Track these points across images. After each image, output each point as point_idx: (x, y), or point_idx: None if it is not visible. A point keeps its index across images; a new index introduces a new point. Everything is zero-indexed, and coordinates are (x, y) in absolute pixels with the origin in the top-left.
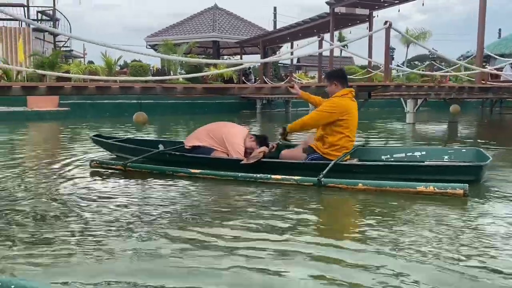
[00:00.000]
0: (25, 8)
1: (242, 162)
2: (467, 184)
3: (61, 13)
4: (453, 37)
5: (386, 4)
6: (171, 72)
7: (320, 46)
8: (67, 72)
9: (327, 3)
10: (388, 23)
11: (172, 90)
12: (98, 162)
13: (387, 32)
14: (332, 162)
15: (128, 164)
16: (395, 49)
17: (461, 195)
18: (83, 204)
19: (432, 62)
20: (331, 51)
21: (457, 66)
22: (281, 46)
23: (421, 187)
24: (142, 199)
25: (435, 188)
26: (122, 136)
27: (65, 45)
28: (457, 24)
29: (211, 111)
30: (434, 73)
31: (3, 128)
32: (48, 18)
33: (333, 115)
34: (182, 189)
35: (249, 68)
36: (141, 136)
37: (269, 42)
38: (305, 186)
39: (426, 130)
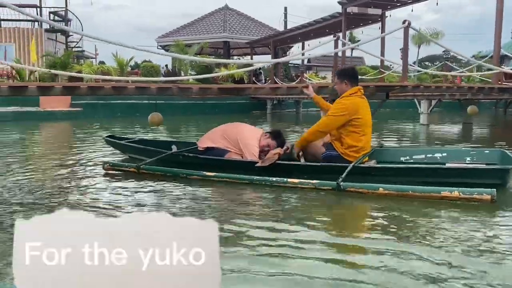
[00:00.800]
0: (38, 9)
1: (257, 164)
2: (495, 189)
3: (73, 14)
4: (464, 37)
5: (399, 4)
6: (182, 73)
7: (336, 45)
8: (79, 72)
9: (339, 2)
10: (407, 22)
11: (188, 91)
12: (111, 164)
13: (406, 31)
14: (351, 165)
15: (141, 166)
16: (409, 49)
17: (488, 201)
18: (97, 210)
19: (446, 62)
20: (343, 51)
21: (471, 66)
22: (292, 46)
23: (445, 192)
24: (157, 204)
25: (461, 193)
26: (134, 137)
27: (76, 46)
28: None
29: (222, 111)
30: (450, 73)
31: (15, 127)
32: (60, 19)
33: (345, 116)
34: (197, 192)
35: (260, 68)
36: (154, 137)
37: (280, 42)
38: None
39: (441, 131)
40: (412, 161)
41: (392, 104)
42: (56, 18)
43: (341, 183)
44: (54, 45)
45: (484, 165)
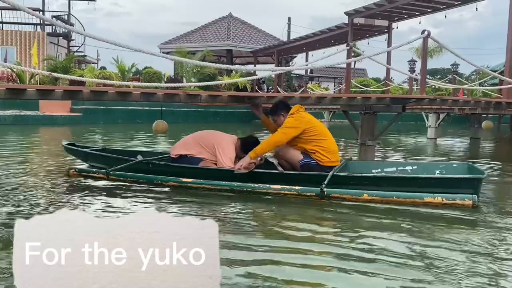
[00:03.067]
0: (41, 13)
1: (236, 170)
2: (476, 195)
3: (76, 18)
4: (465, 51)
5: (406, 16)
6: (184, 80)
7: (349, 55)
8: (81, 77)
9: (346, 13)
10: (426, 32)
11: (196, 98)
12: (77, 170)
13: (425, 41)
14: (331, 173)
15: (111, 172)
16: (416, 61)
17: (470, 206)
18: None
19: (455, 76)
20: (349, 63)
21: (482, 80)
22: (295, 56)
23: (428, 197)
24: (128, 213)
25: (443, 199)
26: (96, 146)
27: (78, 50)
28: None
29: (223, 120)
30: (463, 86)
31: (13, 131)
32: (63, 23)
33: (297, 129)
34: (170, 200)
35: (262, 78)
36: (154, 145)
37: (284, 52)
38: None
39: (448, 146)
40: (383, 173)
41: (390, 117)
42: (59, 22)
43: (325, 189)
44: (56, 49)
45: (462, 175)
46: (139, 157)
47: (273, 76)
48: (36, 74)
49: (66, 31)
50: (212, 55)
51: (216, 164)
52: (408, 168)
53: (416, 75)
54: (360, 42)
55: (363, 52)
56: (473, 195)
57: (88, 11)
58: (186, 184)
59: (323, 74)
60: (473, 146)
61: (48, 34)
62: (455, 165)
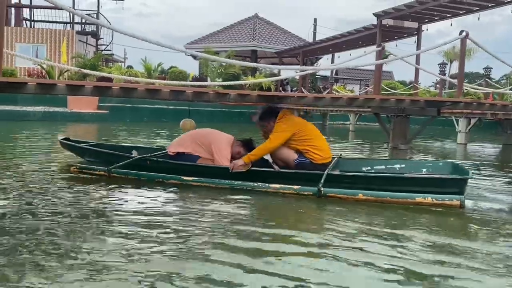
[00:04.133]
0: (70, 12)
1: (233, 169)
2: (463, 196)
3: (104, 17)
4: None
5: (437, 18)
6: (209, 79)
7: (379, 56)
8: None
9: (374, 14)
10: (464, 33)
11: (225, 97)
12: (78, 167)
13: (463, 42)
14: (326, 172)
15: (112, 170)
16: (447, 64)
17: (458, 206)
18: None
19: (487, 79)
20: (378, 65)
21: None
22: (320, 58)
23: (420, 198)
24: (133, 210)
25: (433, 199)
26: (92, 141)
27: (106, 49)
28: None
29: (247, 120)
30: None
31: (41, 126)
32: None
33: (287, 132)
34: (173, 198)
35: (286, 79)
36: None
37: (309, 53)
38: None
39: (479, 152)
40: (373, 171)
41: (419, 120)
42: (102, 21)
43: (322, 189)
44: (84, 48)
45: (452, 175)
46: (134, 152)
47: (297, 77)
48: (65, 71)
49: (95, 29)
50: (236, 55)
51: (212, 162)
52: (397, 166)
53: (446, 78)
54: (388, 44)
55: (390, 54)
56: (461, 196)
57: (117, 11)
58: (187, 182)
59: (349, 76)
60: (505, 153)
61: (77, 33)
62: (440, 164)
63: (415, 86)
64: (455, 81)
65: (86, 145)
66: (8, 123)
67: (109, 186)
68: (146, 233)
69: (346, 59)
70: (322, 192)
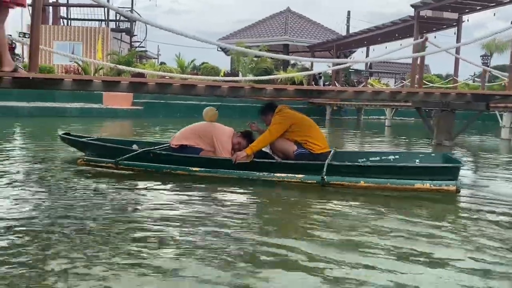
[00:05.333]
0: (105, 9)
1: (238, 160)
2: (459, 181)
3: (138, 14)
4: None
5: (479, 8)
6: (240, 74)
7: (422, 48)
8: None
9: (412, 6)
10: None
11: (261, 91)
12: (85, 159)
13: None
14: (326, 163)
15: (120, 161)
16: (489, 56)
17: (454, 192)
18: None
19: None
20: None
21: None
22: (354, 51)
23: (418, 184)
24: (153, 205)
25: (431, 185)
26: (92, 136)
27: (140, 46)
28: None
29: None
30: None
31: (77, 123)
32: (126, 19)
33: (283, 124)
34: (180, 190)
35: (319, 73)
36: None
37: (343, 46)
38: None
39: None
40: (369, 162)
41: (458, 115)
42: (122, 18)
43: (325, 177)
44: (119, 45)
45: (447, 164)
46: (135, 146)
47: (330, 71)
48: (101, 68)
49: (129, 27)
50: (268, 50)
51: (214, 154)
52: (391, 157)
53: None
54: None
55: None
56: (456, 181)
57: (150, 9)
58: (195, 173)
59: (383, 69)
60: None
61: (112, 30)
62: (433, 155)
63: (454, 79)
64: (502, 73)
65: (88, 140)
66: (46, 120)
67: (115, 177)
68: (164, 226)
69: (382, 52)
70: (326, 180)
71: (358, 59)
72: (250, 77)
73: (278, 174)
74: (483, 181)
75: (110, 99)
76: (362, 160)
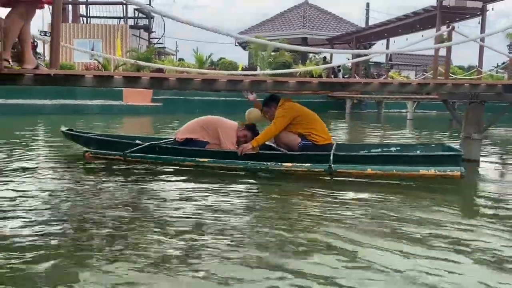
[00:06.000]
0: (124, 6)
1: (242, 153)
2: (463, 167)
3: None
4: None
5: None
6: (258, 68)
7: (449, 37)
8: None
9: None
10: None
11: (284, 85)
12: (93, 153)
13: None
14: (332, 153)
15: (128, 154)
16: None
17: (458, 177)
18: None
19: None
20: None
21: None
22: (374, 44)
23: (423, 170)
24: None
25: (436, 171)
26: (94, 131)
27: (158, 42)
28: None
29: None
30: None
31: (99, 120)
32: (144, 16)
33: (287, 118)
34: (184, 181)
35: (339, 66)
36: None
37: (363, 38)
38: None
39: None
40: (365, 153)
41: (487, 107)
42: (140, 14)
43: (332, 165)
44: (137, 41)
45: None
46: (138, 142)
47: (349, 64)
48: (121, 65)
49: (147, 23)
50: (286, 43)
51: (219, 147)
52: (392, 148)
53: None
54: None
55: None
56: (461, 167)
57: (167, 5)
58: (203, 164)
59: (403, 61)
60: None
61: (130, 27)
62: (433, 145)
63: (479, 70)
64: None
65: (92, 135)
66: (68, 117)
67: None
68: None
69: (403, 44)
70: (333, 168)
71: (382, 50)
72: (268, 71)
73: (286, 164)
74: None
75: (130, 95)
76: (363, 151)
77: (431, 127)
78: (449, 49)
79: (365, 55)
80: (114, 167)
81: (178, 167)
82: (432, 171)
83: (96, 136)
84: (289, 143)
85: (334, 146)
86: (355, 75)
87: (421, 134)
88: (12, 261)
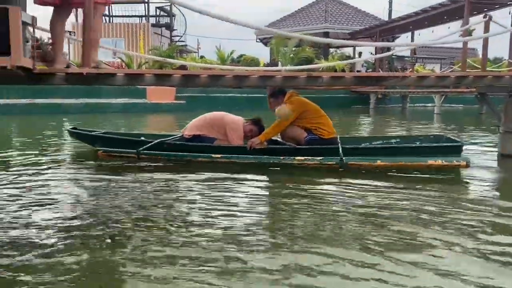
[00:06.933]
0: (146, 5)
1: (251, 148)
2: (469, 158)
3: (178, 9)
4: None
5: None
6: (280, 64)
7: (487, 28)
8: (183, 66)
9: None
10: None
11: (317, 80)
12: (105, 151)
13: None
14: (339, 146)
15: (141, 151)
16: None
17: (465, 166)
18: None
19: None
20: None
21: None
22: (398, 37)
23: (431, 160)
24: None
25: (443, 161)
26: (99, 130)
27: (180, 40)
28: None
29: (322, 105)
30: None
31: (122, 118)
32: (166, 14)
33: (296, 111)
34: (199, 175)
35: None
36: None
37: (387, 32)
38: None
39: None
40: (372, 146)
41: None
42: (162, 13)
43: (344, 158)
44: (159, 40)
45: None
46: (142, 139)
47: (371, 60)
48: (144, 63)
49: (169, 21)
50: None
51: (226, 142)
52: (393, 140)
53: None
54: (473, 19)
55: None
56: (466, 157)
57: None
58: (217, 159)
59: (427, 54)
60: None
61: (152, 25)
62: (432, 136)
63: (510, 62)
64: None
65: (98, 133)
66: (94, 116)
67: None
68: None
69: (428, 37)
70: (344, 160)
71: (415, 42)
72: (290, 67)
73: (298, 158)
74: None
75: (153, 94)
76: (365, 144)
77: (462, 122)
78: (486, 41)
79: (389, 49)
80: (126, 164)
81: (185, 163)
82: (439, 161)
83: (101, 134)
84: (296, 138)
85: (338, 139)
86: (380, 69)
87: (455, 128)
88: (37, 260)
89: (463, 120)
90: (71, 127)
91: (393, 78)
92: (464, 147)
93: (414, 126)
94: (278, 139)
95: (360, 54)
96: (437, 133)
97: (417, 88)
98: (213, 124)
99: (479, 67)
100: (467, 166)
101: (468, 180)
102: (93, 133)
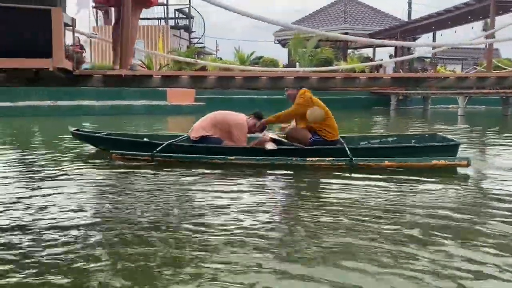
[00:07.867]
0: (165, 7)
1: (268, 147)
2: (470, 157)
3: (196, 11)
4: None
5: None
6: (298, 65)
7: None
8: (203, 67)
9: None
10: None
11: (354, 81)
12: (119, 154)
13: None
14: (345, 146)
15: (155, 154)
16: None
17: (465, 165)
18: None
19: None
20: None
21: None
22: (419, 37)
23: (435, 160)
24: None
25: (446, 161)
26: (102, 131)
27: (198, 42)
28: None
29: (342, 107)
30: None
31: (143, 120)
32: (184, 16)
33: (306, 106)
34: (210, 177)
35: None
36: None
37: (407, 32)
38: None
39: None
40: (370, 144)
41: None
42: (180, 15)
43: (353, 159)
44: (178, 42)
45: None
46: (146, 140)
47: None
48: (164, 66)
49: (187, 23)
50: (327, 40)
51: (232, 141)
52: (389, 139)
53: None
54: (497, 18)
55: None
56: (467, 157)
57: (204, 5)
58: (231, 161)
59: (448, 55)
60: None
61: (171, 27)
62: (427, 135)
63: None
64: None
65: (102, 135)
66: (116, 117)
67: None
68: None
69: (451, 37)
70: (354, 161)
71: (446, 42)
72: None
73: (310, 158)
74: None
75: (174, 95)
76: (363, 142)
77: (484, 123)
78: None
79: (408, 49)
80: (139, 169)
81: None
82: (442, 161)
83: (105, 136)
84: (301, 139)
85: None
86: (400, 70)
87: (487, 132)
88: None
89: (486, 122)
90: (73, 128)
91: (434, 79)
92: (460, 146)
93: (444, 130)
94: (283, 140)
95: (390, 56)
96: (432, 132)
97: (439, 89)
98: (216, 123)
99: (505, 67)
100: (468, 165)
101: (487, 183)
102: (96, 134)
